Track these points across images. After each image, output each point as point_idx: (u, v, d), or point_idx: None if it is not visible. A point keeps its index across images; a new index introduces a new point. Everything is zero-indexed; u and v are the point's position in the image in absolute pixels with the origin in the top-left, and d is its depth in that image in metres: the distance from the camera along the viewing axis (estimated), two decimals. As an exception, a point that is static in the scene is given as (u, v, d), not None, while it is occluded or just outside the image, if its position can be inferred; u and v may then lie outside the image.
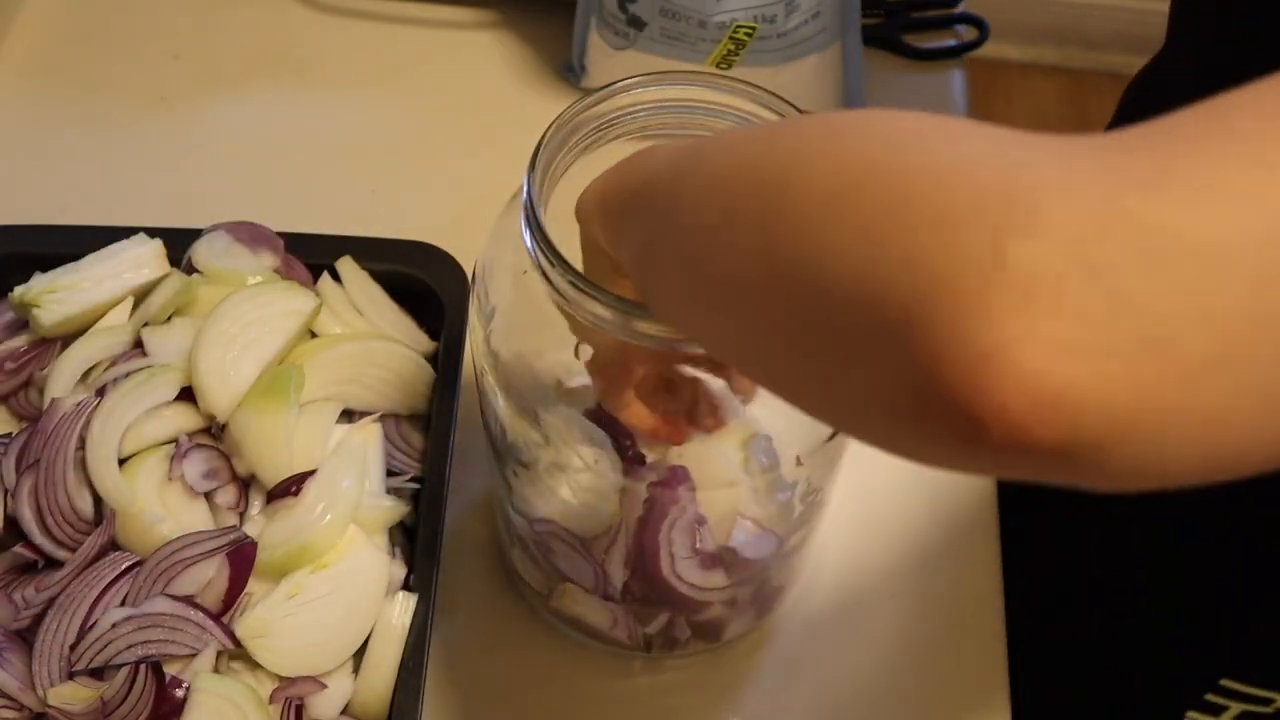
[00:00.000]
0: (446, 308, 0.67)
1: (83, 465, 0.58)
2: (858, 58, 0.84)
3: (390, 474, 0.63)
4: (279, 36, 0.91)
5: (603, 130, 0.52)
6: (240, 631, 0.56)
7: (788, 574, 0.65)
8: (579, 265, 0.48)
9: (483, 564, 0.68)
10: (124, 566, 0.57)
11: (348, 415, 0.64)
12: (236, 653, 0.57)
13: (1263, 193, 0.27)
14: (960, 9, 0.93)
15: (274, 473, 0.59)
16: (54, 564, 0.58)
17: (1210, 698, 0.67)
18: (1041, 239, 0.27)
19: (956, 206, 0.28)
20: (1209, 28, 0.59)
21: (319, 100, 0.88)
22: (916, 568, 0.69)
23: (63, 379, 0.61)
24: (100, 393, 0.60)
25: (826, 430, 0.55)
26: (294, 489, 0.59)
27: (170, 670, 0.55)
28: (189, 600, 0.56)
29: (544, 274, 0.48)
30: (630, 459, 0.55)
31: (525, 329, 0.55)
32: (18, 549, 0.58)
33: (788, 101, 0.50)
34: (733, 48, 0.80)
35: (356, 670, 0.58)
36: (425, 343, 0.68)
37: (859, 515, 0.70)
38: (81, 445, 0.58)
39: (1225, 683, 0.67)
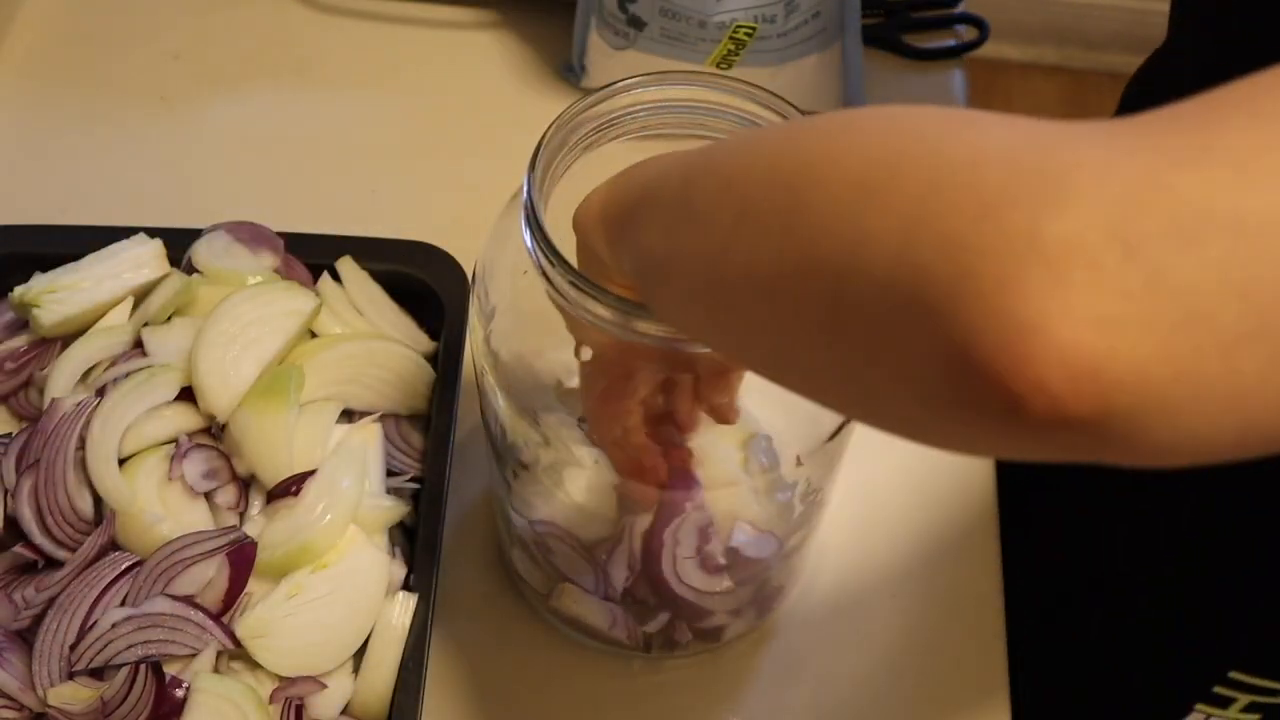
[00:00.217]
0: (446, 308, 0.67)
1: (83, 465, 0.58)
2: (858, 58, 0.84)
3: (390, 474, 0.63)
4: (279, 36, 0.91)
5: (603, 130, 0.52)
6: (240, 631, 0.56)
7: (788, 574, 0.65)
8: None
9: (483, 564, 0.68)
10: (124, 566, 0.57)
11: (348, 415, 0.64)
12: (236, 653, 0.57)
13: None
14: (960, 9, 0.93)
15: (274, 473, 0.59)
16: (54, 564, 0.58)
17: (1219, 690, 0.68)
18: (1078, 214, 0.27)
19: (993, 187, 0.28)
20: (1209, 23, 0.59)
21: (319, 100, 0.88)
22: (916, 568, 0.69)
23: (63, 379, 0.61)
24: (100, 393, 0.60)
25: (827, 430, 0.55)
26: (294, 489, 0.59)
27: (170, 670, 0.55)
28: (189, 600, 0.56)
29: (544, 274, 0.48)
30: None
31: (525, 329, 0.55)
32: (18, 549, 0.58)
33: (788, 101, 0.50)
34: (733, 48, 0.80)
35: (356, 670, 0.58)
36: (425, 343, 0.68)
37: (859, 515, 0.70)
38: (81, 445, 0.58)
39: (1234, 675, 0.67)
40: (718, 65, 0.81)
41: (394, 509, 0.61)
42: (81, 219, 0.75)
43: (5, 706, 0.55)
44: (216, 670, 0.56)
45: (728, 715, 0.65)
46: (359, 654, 0.58)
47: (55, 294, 0.63)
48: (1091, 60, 2.17)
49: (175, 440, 0.60)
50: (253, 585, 0.58)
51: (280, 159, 0.85)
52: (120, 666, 0.55)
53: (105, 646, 0.55)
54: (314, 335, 0.66)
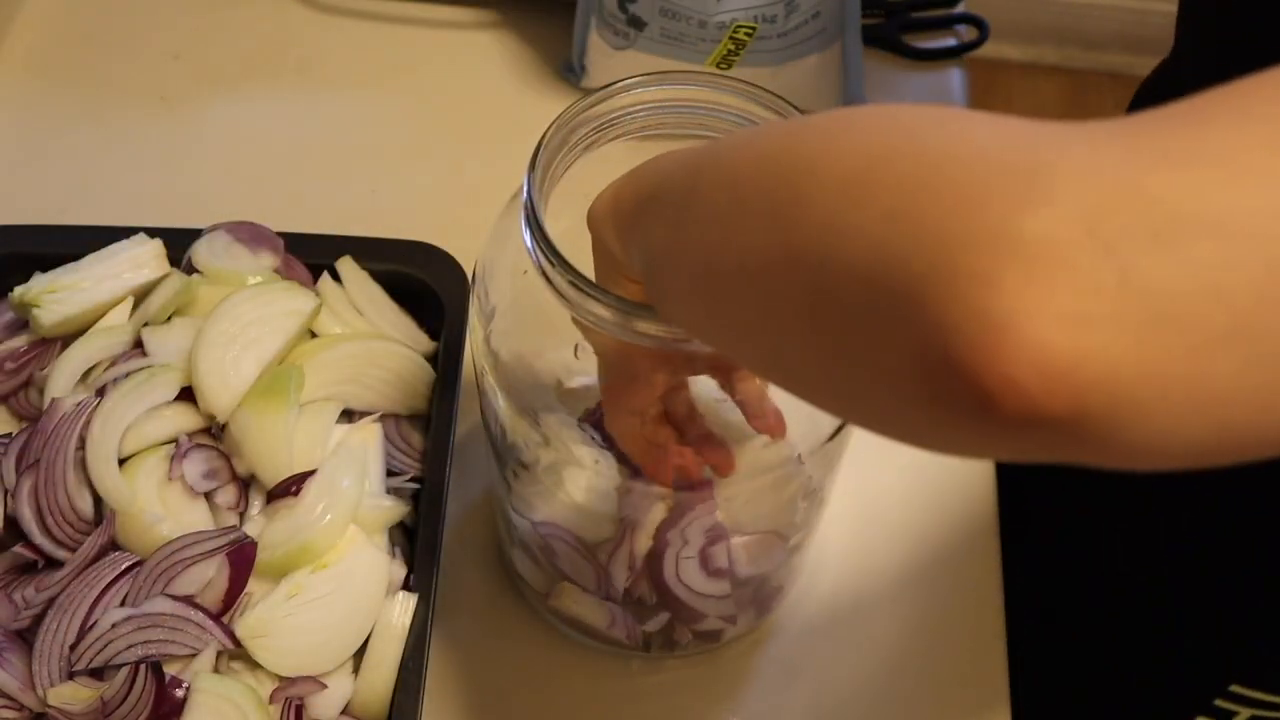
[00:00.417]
0: (446, 308, 0.67)
1: (83, 465, 0.58)
2: (858, 58, 0.84)
3: (390, 474, 0.63)
4: (279, 36, 0.91)
5: (603, 130, 0.52)
6: (240, 631, 0.56)
7: (787, 574, 0.65)
8: (578, 265, 0.48)
9: (482, 564, 0.68)
10: (124, 566, 0.57)
11: (348, 415, 0.64)
12: (236, 653, 0.57)
13: (1276, 172, 0.27)
14: (960, 9, 0.93)
15: (274, 473, 0.59)
16: (54, 564, 0.58)
17: (1220, 703, 0.67)
18: (1056, 211, 0.27)
19: (974, 182, 0.28)
20: (1212, 30, 0.59)
21: (319, 100, 0.88)
22: (917, 569, 0.69)
23: (63, 379, 0.61)
24: (100, 393, 0.60)
25: (826, 431, 0.55)
26: (294, 489, 0.59)
27: (170, 670, 0.55)
28: (189, 600, 0.56)
29: (544, 274, 0.48)
30: (632, 466, 0.55)
31: (525, 329, 0.55)
32: (18, 549, 0.58)
33: (788, 101, 0.50)
34: (733, 48, 0.80)
35: (356, 670, 0.58)
36: (425, 343, 0.68)
37: (859, 516, 0.70)
38: (81, 445, 0.58)
39: (1235, 688, 0.66)
40: (718, 65, 0.81)
41: (394, 509, 0.61)
42: (81, 219, 0.75)
43: (5, 706, 0.55)
44: (216, 670, 0.56)
45: (727, 715, 0.65)
46: (359, 654, 0.58)
47: (55, 294, 0.63)
48: (1091, 60, 2.17)
49: (175, 440, 0.60)
50: (253, 585, 0.58)
51: (280, 159, 0.85)
52: (120, 666, 0.55)
53: (105, 646, 0.55)
54: (314, 335, 0.66)
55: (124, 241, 0.66)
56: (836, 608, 0.68)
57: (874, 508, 0.70)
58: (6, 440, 0.60)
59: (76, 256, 0.65)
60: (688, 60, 0.81)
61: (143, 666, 0.54)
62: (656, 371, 0.51)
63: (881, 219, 0.30)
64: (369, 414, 0.64)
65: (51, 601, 0.56)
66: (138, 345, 0.62)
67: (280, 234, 0.68)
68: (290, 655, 0.57)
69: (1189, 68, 0.64)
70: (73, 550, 0.58)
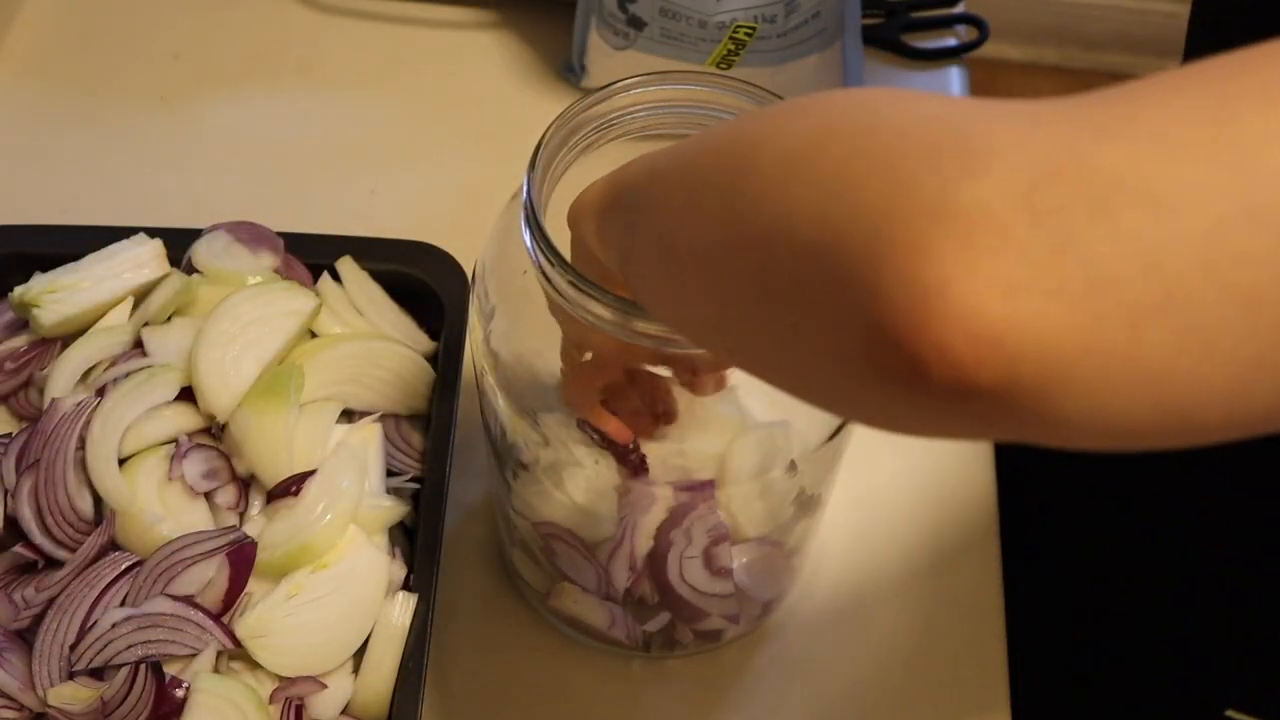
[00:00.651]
0: (446, 308, 0.67)
1: (83, 465, 0.58)
2: (858, 58, 0.84)
3: (390, 474, 0.63)
4: (279, 36, 0.91)
5: (603, 130, 0.52)
6: (240, 631, 0.56)
7: (788, 575, 0.65)
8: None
9: (482, 564, 0.68)
10: (124, 566, 0.57)
11: (348, 415, 0.64)
12: (236, 653, 0.57)
13: (1214, 145, 0.27)
14: (960, 9, 0.93)
15: (274, 473, 0.59)
16: (54, 564, 0.58)
17: (1231, 713, 0.67)
18: (990, 180, 0.27)
19: (914, 154, 0.28)
20: (1227, 39, 0.59)
21: (319, 100, 0.88)
22: (917, 570, 0.69)
23: (63, 379, 0.61)
24: (100, 393, 0.60)
25: (825, 431, 0.55)
26: (294, 489, 0.59)
27: (170, 670, 0.55)
28: (189, 600, 0.56)
29: (544, 274, 0.48)
30: (632, 466, 0.55)
31: (525, 329, 0.55)
32: (18, 549, 0.58)
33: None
34: (733, 48, 0.80)
35: (356, 670, 0.58)
36: (425, 343, 0.68)
37: (859, 516, 0.70)
38: (81, 445, 0.58)
39: (1231, 714, 0.66)
40: (718, 65, 0.81)
41: (394, 509, 0.61)
42: (81, 219, 0.75)
43: (5, 706, 0.55)
44: (216, 670, 0.56)
45: (727, 715, 0.65)
46: (359, 654, 0.58)
47: (55, 294, 0.63)
48: (1091, 60, 2.17)
49: (175, 440, 0.60)
50: (253, 585, 0.58)
51: (280, 159, 0.85)
52: (120, 666, 0.55)
53: (105, 646, 0.55)
54: (314, 335, 0.66)
55: (124, 241, 0.66)
56: (837, 608, 0.68)
57: (874, 508, 0.70)
58: (6, 440, 0.60)
59: (76, 256, 0.65)
60: (688, 60, 0.81)
61: (143, 666, 0.54)
62: (621, 359, 0.52)
63: (822, 193, 0.30)
64: (369, 414, 0.64)
65: (51, 601, 0.56)
66: (138, 345, 0.62)
67: (280, 234, 0.68)
68: (290, 655, 0.57)
69: None
70: (73, 550, 0.58)
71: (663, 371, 0.54)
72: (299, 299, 0.64)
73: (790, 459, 0.56)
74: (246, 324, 0.61)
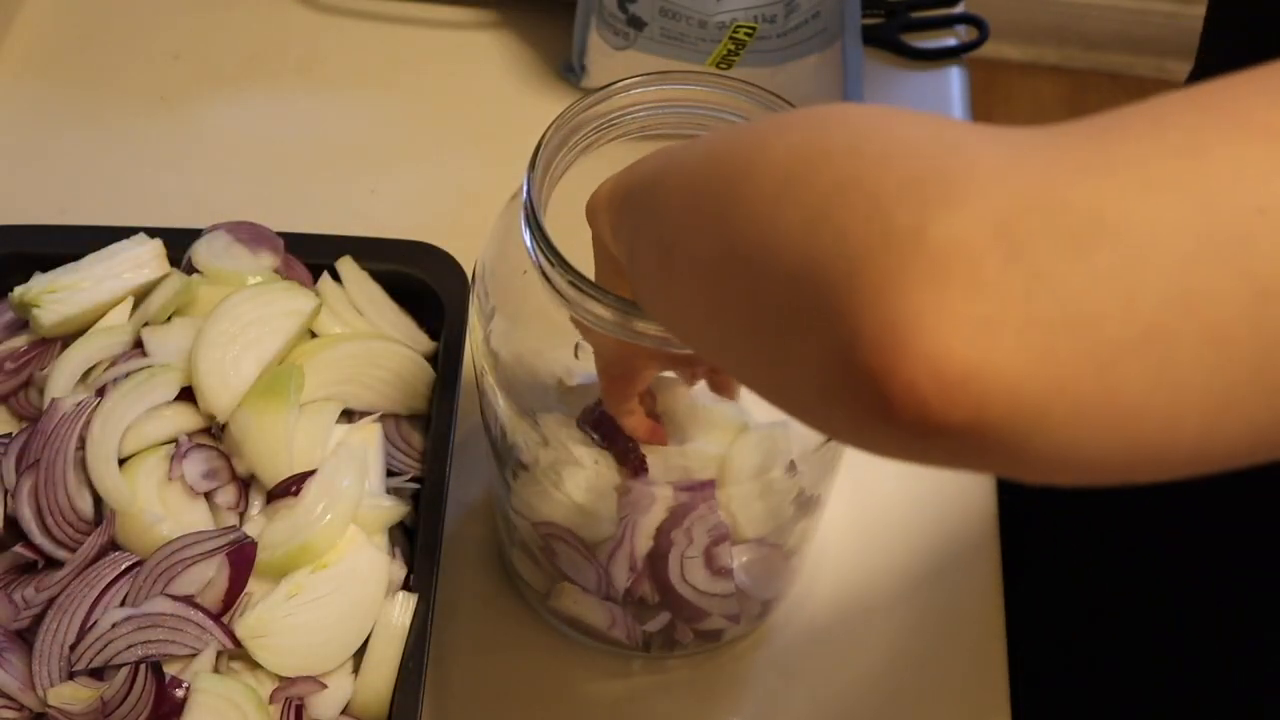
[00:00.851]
0: (446, 308, 0.67)
1: (83, 465, 0.58)
2: (858, 58, 0.84)
3: (390, 474, 0.63)
4: (279, 36, 0.91)
5: (602, 130, 0.52)
6: (240, 631, 0.56)
7: (787, 575, 0.65)
8: (578, 265, 0.48)
9: (482, 564, 0.68)
10: (124, 566, 0.57)
11: (348, 415, 0.64)
12: (236, 653, 0.57)
13: (1191, 181, 0.26)
14: (960, 9, 0.93)
15: (274, 473, 0.59)
16: (54, 564, 0.58)
17: None
18: (966, 215, 0.27)
19: (890, 184, 0.28)
20: (1237, 55, 0.58)
21: (319, 100, 0.88)
22: (917, 571, 0.69)
23: (63, 379, 0.61)
24: (100, 393, 0.60)
25: (822, 435, 0.55)
26: (294, 489, 0.59)
27: (170, 670, 0.55)
28: (189, 600, 0.56)
29: (543, 274, 0.48)
30: (632, 466, 0.55)
31: (525, 329, 0.55)
32: (18, 549, 0.58)
33: (787, 102, 0.50)
34: (733, 48, 0.80)
35: (356, 670, 0.58)
36: (425, 343, 0.68)
37: (860, 517, 0.70)
38: (81, 445, 0.58)
39: None
40: (718, 65, 0.81)
41: (394, 509, 0.61)
42: (81, 219, 0.75)
43: (5, 706, 0.55)
44: (216, 670, 0.56)
45: (727, 715, 0.65)
46: (359, 654, 0.58)
47: (55, 294, 0.63)
48: (1091, 60, 2.17)
49: (175, 440, 0.60)
50: (253, 585, 0.58)
51: (280, 159, 0.85)
52: (120, 666, 0.55)
53: (105, 646, 0.55)
54: (314, 335, 0.66)
55: (124, 241, 0.66)
56: (837, 609, 0.68)
57: (875, 509, 0.70)
58: (6, 440, 0.60)
59: (76, 256, 0.65)
60: (688, 60, 0.81)
61: (143, 666, 0.54)
62: (648, 365, 0.52)
63: (808, 217, 0.30)
64: (369, 414, 0.64)
65: (51, 601, 0.56)
66: (138, 345, 0.62)
67: (280, 234, 0.68)
68: (290, 655, 0.57)
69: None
70: (73, 550, 0.58)
71: (670, 374, 0.54)
72: (299, 299, 0.64)
73: (790, 459, 0.56)
74: (246, 324, 0.61)
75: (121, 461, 0.59)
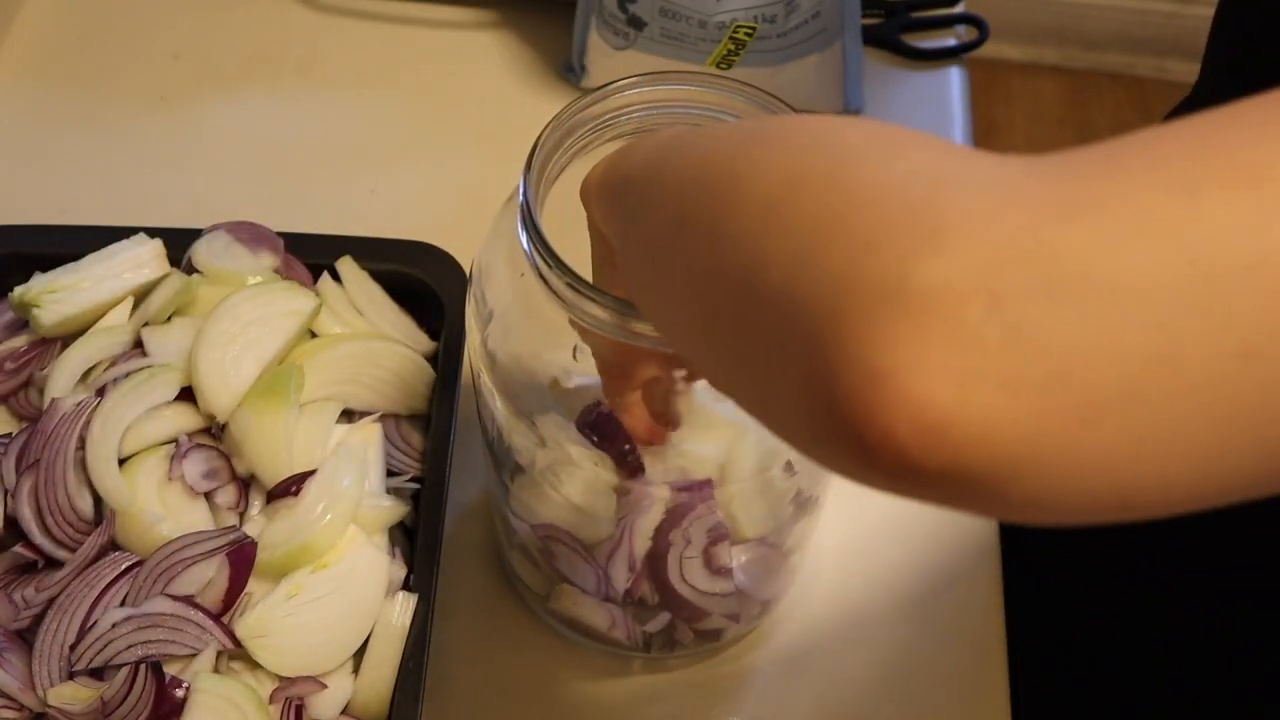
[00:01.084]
0: (446, 308, 0.67)
1: (83, 465, 0.58)
2: (858, 58, 0.84)
3: (390, 474, 0.63)
4: (279, 36, 0.91)
5: (599, 131, 0.52)
6: (240, 631, 0.56)
7: (785, 575, 0.65)
8: (575, 266, 0.48)
9: (481, 564, 0.68)
10: (124, 566, 0.57)
11: (348, 415, 0.64)
12: (236, 653, 0.57)
13: (1178, 232, 0.26)
14: (960, 9, 0.93)
15: (274, 473, 0.59)
16: (54, 564, 0.58)
17: None
18: (948, 261, 0.26)
19: (875, 224, 0.28)
20: (1240, 72, 0.58)
21: (319, 100, 0.88)
22: (917, 570, 0.69)
23: (63, 379, 0.62)
24: (100, 393, 0.60)
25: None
26: (294, 489, 0.59)
27: (170, 670, 0.55)
28: (189, 600, 0.56)
29: (540, 275, 0.48)
30: (630, 467, 0.55)
31: (522, 330, 0.55)
32: (18, 549, 0.58)
33: (785, 102, 0.50)
34: (733, 48, 0.80)
35: (356, 670, 0.58)
36: (425, 343, 0.68)
37: (859, 517, 0.70)
38: (81, 445, 0.58)
39: None
40: (718, 65, 0.81)
41: (394, 509, 0.61)
42: (81, 219, 0.75)
43: (5, 706, 0.56)
44: (216, 670, 0.56)
45: (727, 715, 0.65)
46: (359, 654, 0.58)
47: (55, 294, 0.63)
48: (1091, 60, 2.17)
49: (175, 440, 0.60)
50: (253, 585, 0.58)
51: (280, 159, 0.85)
52: (120, 666, 0.55)
53: (105, 646, 0.55)
54: (314, 335, 0.66)
55: (124, 241, 0.66)
56: (837, 608, 0.68)
57: (875, 509, 0.70)
58: (6, 440, 0.60)
59: (76, 256, 0.65)
60: (688, 60, 0.81)
61: (143, 666, 0.54)
62: (646, 364, 0.51)
63: (793, 250, 0.30)
64: (369, 414, 0.64)
65: (51, 601, 0.56)
66: (138, 345, 0.62)
67: (280, 234, 0.68)
68: (290, 655, 0.57)
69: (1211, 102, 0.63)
70: (73, 550, 0.58)
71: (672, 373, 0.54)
72: (299, 299, 0.64)
73: (787, 459, 0.56)
74: (246, 324, 0.61)
75: (121, 461, 0.59)
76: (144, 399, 0.60)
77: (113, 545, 0.58)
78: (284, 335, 0.62)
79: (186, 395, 0.60)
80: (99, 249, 0.66)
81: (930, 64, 0.90)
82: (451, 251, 0.69)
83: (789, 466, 0.56)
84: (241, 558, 0.57)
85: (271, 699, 0.56)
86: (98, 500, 0.58)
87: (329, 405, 0.63)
